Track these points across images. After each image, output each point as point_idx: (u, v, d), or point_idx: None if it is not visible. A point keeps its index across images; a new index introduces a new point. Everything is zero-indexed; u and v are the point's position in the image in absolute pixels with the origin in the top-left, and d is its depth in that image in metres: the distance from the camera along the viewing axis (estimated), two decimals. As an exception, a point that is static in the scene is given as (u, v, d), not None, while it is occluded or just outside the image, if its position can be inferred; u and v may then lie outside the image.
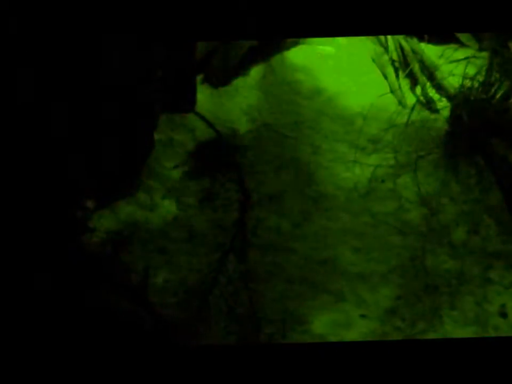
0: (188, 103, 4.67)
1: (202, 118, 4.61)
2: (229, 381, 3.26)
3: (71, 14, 3.37)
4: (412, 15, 3.39)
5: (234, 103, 4.85)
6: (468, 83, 4.61)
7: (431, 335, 3.64)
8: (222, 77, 4.94)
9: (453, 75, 4.79)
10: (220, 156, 4.53)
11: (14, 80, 3.62)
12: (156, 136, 4.47)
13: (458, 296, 3.82)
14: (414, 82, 5.04)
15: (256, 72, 5.05)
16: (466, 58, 4.87)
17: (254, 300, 3.79)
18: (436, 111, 4.82)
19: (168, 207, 4.22)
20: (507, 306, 3.79)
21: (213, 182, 4.37)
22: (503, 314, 3.77)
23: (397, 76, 5.09)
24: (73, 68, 3.79)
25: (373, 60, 5.23)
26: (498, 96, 4.55)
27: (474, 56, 4.89)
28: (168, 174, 4.38)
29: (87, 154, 4.06)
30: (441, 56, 5.02)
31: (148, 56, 4.13)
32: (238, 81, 4.97)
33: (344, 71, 5.14)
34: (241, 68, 5.02)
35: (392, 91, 4.96)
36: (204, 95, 4.80)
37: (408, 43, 5.10)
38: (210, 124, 4.62)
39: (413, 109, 4.78)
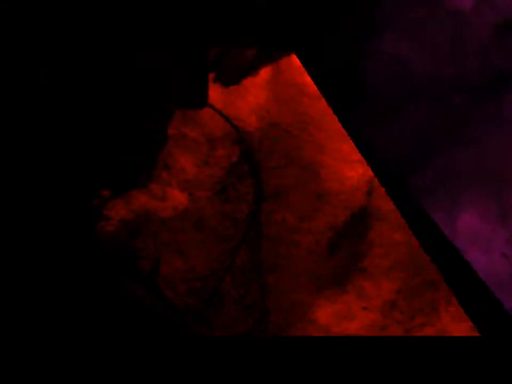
0: (200, 98, 4.71)
1: (218, 112, 4.62)
2: (236, 370, 3.24)
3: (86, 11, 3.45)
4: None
5: (244, 101, 4.83)
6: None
7: (428, 330, 3.69)
8: (232, 77, 4.92)
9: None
10: (237, 150, 4.53)
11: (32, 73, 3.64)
12: (169, 131, 4.48)
13: (454, 292, 3.77)
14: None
15: (265, 73, 4.97)
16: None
17: (264, 290, 3.78)
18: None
19: (180, 198, 4.21)
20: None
21: (227, 176, 4.36)
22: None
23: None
24: (90, 61, 3.83)
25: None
26: None
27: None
28: (180, 167, 4.36)
29: (103, 146, 4.07)
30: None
31: (162, 55, 4.19)
32: (248, 81, 4.92)
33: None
34: (251, 69, 4.96)
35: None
36: (215, 93, 4.78)
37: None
38: (226, 118, 4.62)
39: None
